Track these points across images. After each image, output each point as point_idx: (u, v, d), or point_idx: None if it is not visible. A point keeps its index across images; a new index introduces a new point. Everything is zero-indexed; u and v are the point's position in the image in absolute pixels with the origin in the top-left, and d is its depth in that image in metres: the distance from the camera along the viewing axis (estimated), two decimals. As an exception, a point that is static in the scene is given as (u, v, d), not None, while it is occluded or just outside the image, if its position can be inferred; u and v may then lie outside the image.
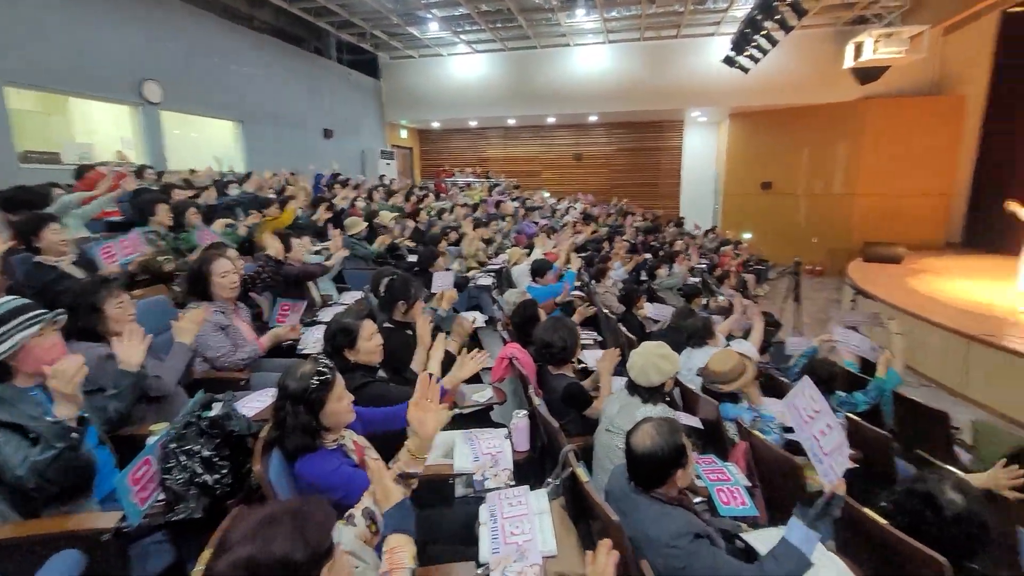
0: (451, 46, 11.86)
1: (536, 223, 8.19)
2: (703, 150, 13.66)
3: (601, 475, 2.04)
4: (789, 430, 2.28)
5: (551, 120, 13.38)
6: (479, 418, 2.43)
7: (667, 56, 11.05)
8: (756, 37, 8.16)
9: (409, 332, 2.56)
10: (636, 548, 1.48)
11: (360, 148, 11.98)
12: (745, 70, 9.40)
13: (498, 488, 1.76)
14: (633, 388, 2.17)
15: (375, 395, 1.94)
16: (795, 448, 1.96)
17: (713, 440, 2.40)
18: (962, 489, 1.47)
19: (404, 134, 14.08)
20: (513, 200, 10.38)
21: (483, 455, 1.99)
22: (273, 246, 3.24)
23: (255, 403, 2.01)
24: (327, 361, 1.57)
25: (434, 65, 12.34)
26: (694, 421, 2.35)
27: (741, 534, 1.67)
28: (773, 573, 1.39)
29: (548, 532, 1.52)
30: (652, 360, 2.13)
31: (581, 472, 1.71)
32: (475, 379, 3.02)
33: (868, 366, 3.62)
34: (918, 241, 9.91)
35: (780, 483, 2.02)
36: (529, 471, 1.99)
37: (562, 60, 11.62)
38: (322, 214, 4.94)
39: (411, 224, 5.99)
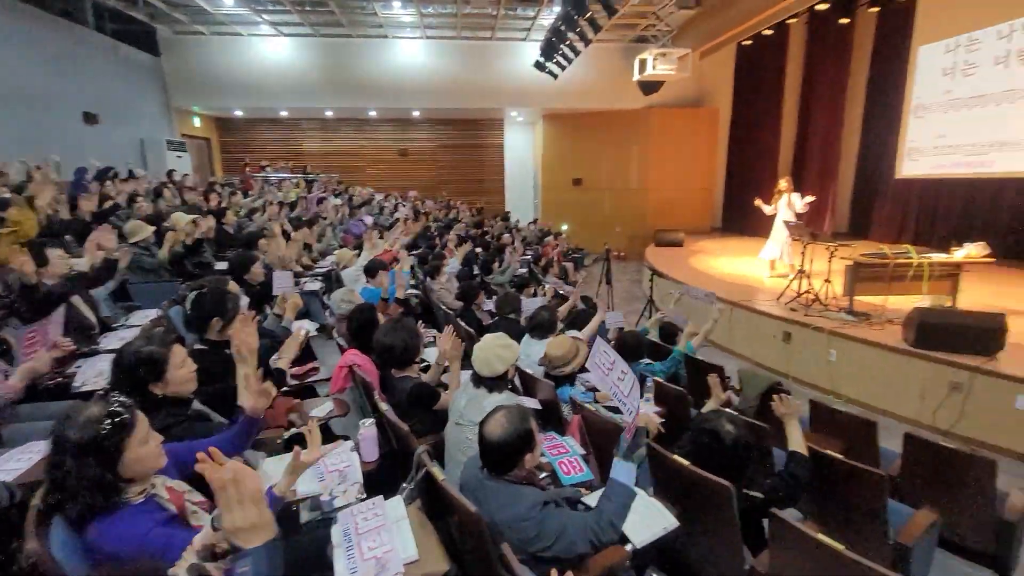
0: (252, 25, 10.62)
1: (363, 221, 7.87)
2: (523, 148, 14.57)
3: (454, 469, 2.08)
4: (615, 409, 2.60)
5: (373, 114, 12.92)
6: (323, 433, 2.28)
7: (485, 56, 11.47)
8: (561, 46, 8.97)
9: (228, 352, 2.27)
10: (495, 532, 1.56)
11: (138, 137, 10.04)
12: (554, 76, 10.28)
13: (349, 504, 1.70)
14: (479, 380, 2.25)
15: (190, 434, 1.69)
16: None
17: (552, 418, 2.63)
18: (733, 422, 1.88)
19: (198, 122, 12.22)
20: (337, 197, 9.81)
21: (328, 473, 1.88)
22: (19, 262, 2.57)
23: (14, 464, 1.67)
24: (122, 399, 1.33)
25: (232, 45, 10.92)
26: (534, 403, 2.54)
27: (582, 498, 1.88)
28: (608, 509, 1.60)
29: (408, 538, 1.52)
30: (494, 351, 2.24)
31: (436, 471, 1.73)
32: (311, 393, 2.83)
33: (666, 338, 4.33)
34: (693, 227, 12.05)
35: (607, 445, 2.29)
36: (381, 480, 1.94)
37: (381, 52, 11.28)
38: (84, 207, 4.02)
39: (214, 225, 5.25)
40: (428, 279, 5.19)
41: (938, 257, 5.13)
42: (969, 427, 3.90)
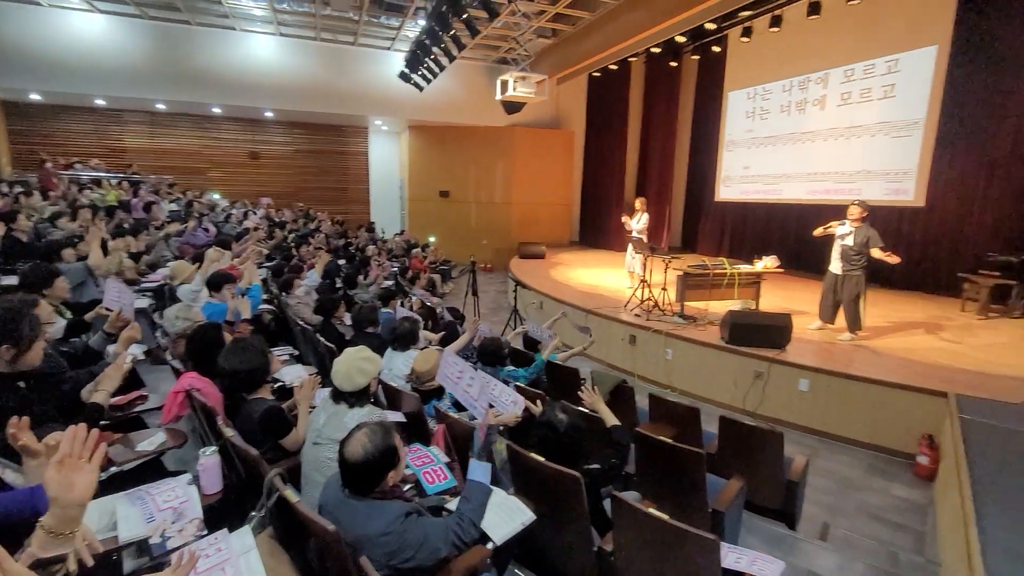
0: (55, -6, 8.99)
1: (208, 230, 7.07)
2: (389, 157, 14.32)
3: (312, 490, 1.99)
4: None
5: (217, 111, 11.70)
6: (154, 468, 2.02)
7: (347, 61, 11.08)
8: (427, 60, 9.04)
9: (23, 385, 1.91)
10: (356, 550, 1.53)
11: None
12: (420, 88, 10.31)
13: (186, 544, 1.54)
14: (338, 395, 2.18)
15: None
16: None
17: (418, 430, 2.63)
18: (565, 411, 2.08)
19: (-24, 104, 9.95)
20: (172, 202, 8.67)
21: (160, 512, 1.69)
22: None
23: None
24: None
25: (27, 15, 9.11)
26: (398, 416, 2.52)
27: (446, 505, 1.92)
28: (467, 509, 1.67)
29: (256, 569, 1.42)
30: (356, 364, 2.19)
31: (290, 494, 1.64)
32: (139, 425, 2.48)
33: (529, 345, 4.60)
34: (553, 240, 12.90)
35: (469, 447, 2.37)
36: (226, 512, 1.79)
37: (227, 45, 10.28)
38: None
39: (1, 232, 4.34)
40: (283, 293, 4.85)
41: (744, 268, 6.15)
42: (769, 408, 4.74)
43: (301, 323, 4.23)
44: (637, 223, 7.59)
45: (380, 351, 2.98)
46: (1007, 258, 6.20)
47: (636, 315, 6.04)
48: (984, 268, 6.32)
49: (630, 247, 7.68)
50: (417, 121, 12.47)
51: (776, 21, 8.61)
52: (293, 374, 3.15)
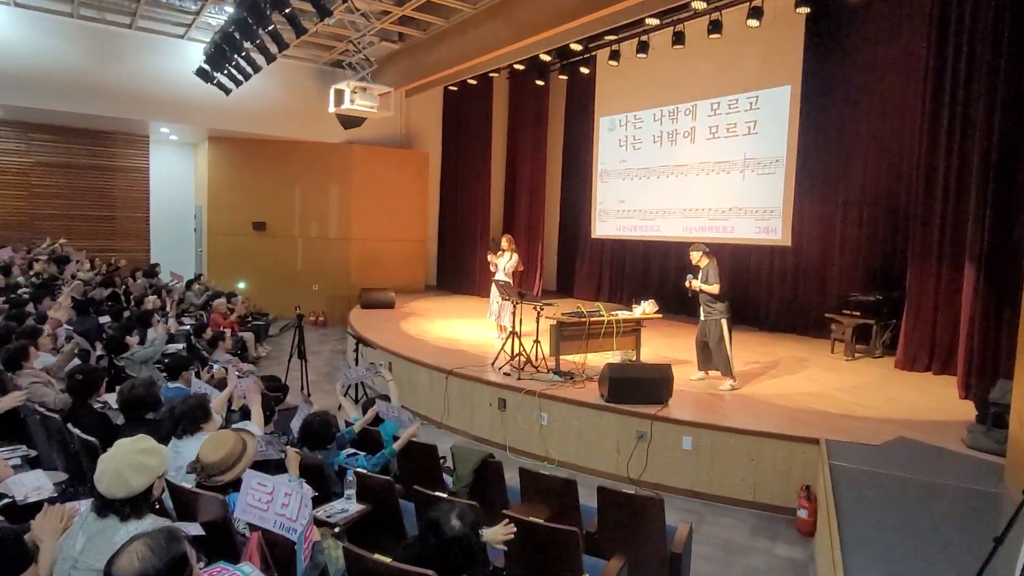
0: None
1: None
2: (180, 177, 13.41)
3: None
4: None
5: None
6: None
7: (120, 48, 10.31)
8: (236, 57, 8.80)
9: None
10: None
11: None
12: (226, 90, 9.93)
13: None
14: (105, 507, 1.99)
15: None
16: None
17: (221, 543, 2.47)
18: (461, 517, 2.09)
19: None
20: None
21: None
22: None
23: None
24: None
25: None
26: (194, 528, 2.35)
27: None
28: None
29: None
30: (131, 458, 2.01)
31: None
32: None
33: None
34: (405, 285, 12.98)
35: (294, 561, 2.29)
36: None
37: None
38: None
39: None
40: (9, 372, 4.25)
41: (623, 314, 6.82)
42: (653, 472, 5.21)
43: (41, 410, 3.76)
44: (505, 263, 8.02)
45: (165, 443, 2.77)
46: (867, 297, 7.70)
47: (506, 374, 6.30)
48: (847, 308, 7.76)
49: (495, 291, 8.05)
50: (221, 131, 11.93)
51: (643, 47, 9.96)
52: (29, 484, 2.82)
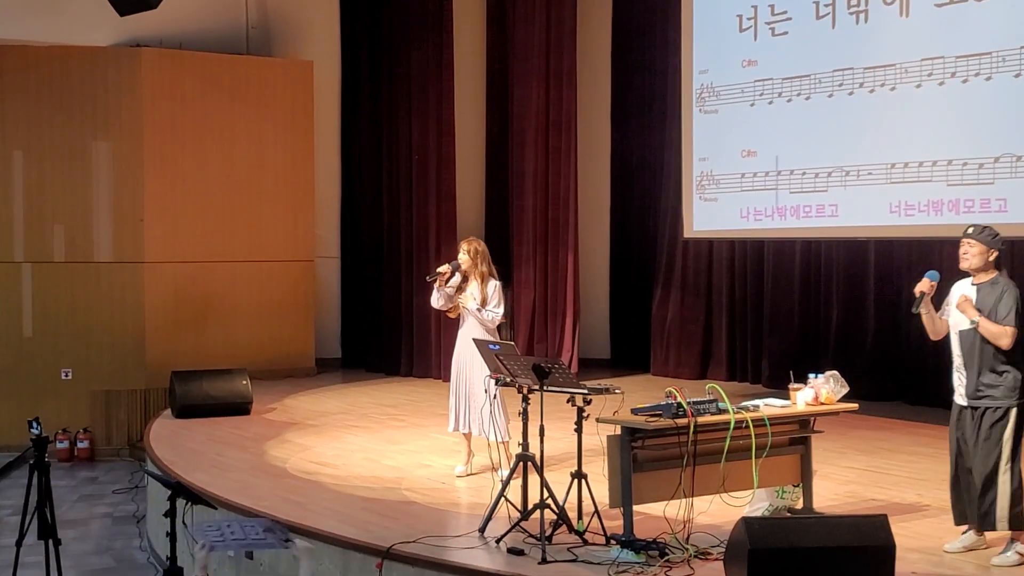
0: None
1: None
2: None
3: None
4: None
5: None
6: None
7: None
8: None
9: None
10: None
11: None
12: None
13: None
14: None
15: None
16: None
17: None
18: None
19: None
20: None
21: None
22: None
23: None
24: None
25: None
26: None
27: None
28: None
29: None
30: None
31: None
32: None
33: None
34: (273, 360, 13.26)
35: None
36: None
37: None
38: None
39: None
40: None
41: (770, 406, 6.50)
42: None
43: None
44: (488, 295, 7.78)
45: None
46: None
47: (513, 551, 6.02)
48: None
49: (465, 363, 7.84)
50: None
51: None
52: None
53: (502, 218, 13.60)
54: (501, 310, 7.90)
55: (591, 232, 13.71)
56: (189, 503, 7.66)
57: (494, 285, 7.89)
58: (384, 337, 13.90)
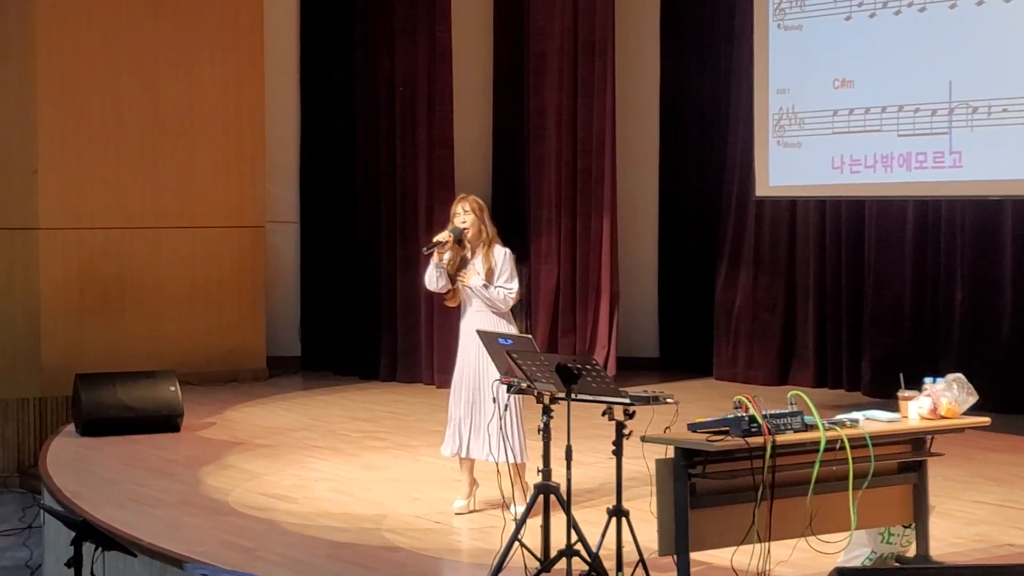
0: None
1: None
2: None
3: None
4: None
5: None
6: None
7: None
8: None
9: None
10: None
11: None
12: None
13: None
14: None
15: None
16: None
17: None
18: None
19: None
20: None
21: None
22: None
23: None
24: None
25: None
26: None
27: None
28: None
29: None
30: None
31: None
32: None
33: None
34: (211, 359, 13.33)
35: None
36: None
37: None
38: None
39: None
40: None
41: (874, 421, 6.53)
42: None
43: None
44: (497, 264, 7.77)
45: None
46: None
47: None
48: None
49: (470, 363, 7.84)
50: None
51: None
52: None
53: (515, 171, 13.58)
54: (515, 285, 7.71)
55: (633, 189, 13.76)
56: (100, 548, 7.75)
57: (503, 252, 7.73)
58: (358, 329, 13.89)
